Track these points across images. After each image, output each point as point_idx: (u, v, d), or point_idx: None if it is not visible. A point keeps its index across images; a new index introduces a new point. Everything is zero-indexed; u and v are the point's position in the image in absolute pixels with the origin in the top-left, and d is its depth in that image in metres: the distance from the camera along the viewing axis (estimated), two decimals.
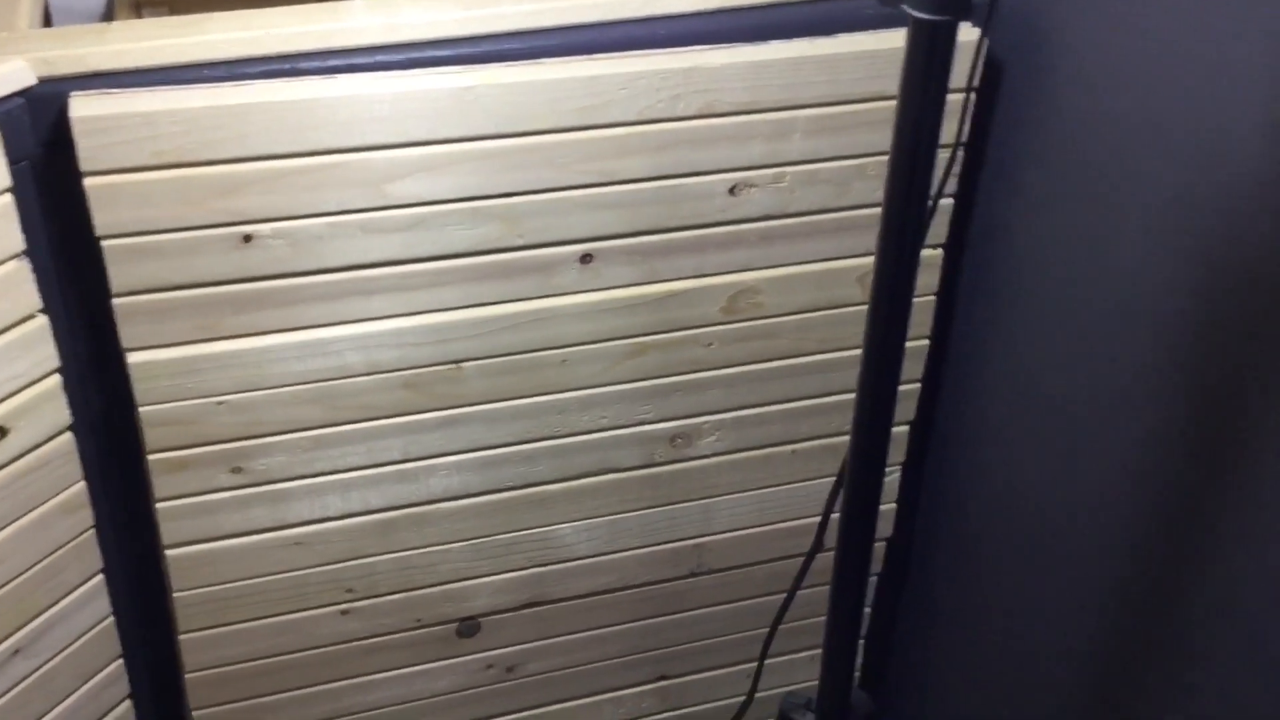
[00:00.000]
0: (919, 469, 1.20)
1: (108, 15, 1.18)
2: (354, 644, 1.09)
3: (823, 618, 1.09)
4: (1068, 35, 0.91)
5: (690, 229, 0.98)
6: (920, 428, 1.16)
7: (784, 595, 1.20)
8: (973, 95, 0.98)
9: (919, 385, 1.12)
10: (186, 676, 1.04)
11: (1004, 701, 1.12)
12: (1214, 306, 0.82)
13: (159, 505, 0.95)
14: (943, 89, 0.65)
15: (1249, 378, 0.80)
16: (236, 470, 0.96)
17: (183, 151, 0.82)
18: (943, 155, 0.81)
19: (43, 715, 0.95)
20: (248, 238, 0.87)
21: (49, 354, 0.86)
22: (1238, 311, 0.80)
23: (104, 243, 0.84)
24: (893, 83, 0.93)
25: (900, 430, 1.15)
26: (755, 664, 1.24)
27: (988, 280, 1.07)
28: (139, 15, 1.12)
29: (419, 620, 1.09)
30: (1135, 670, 0.95)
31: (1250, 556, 0.82)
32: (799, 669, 1.27)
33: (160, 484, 0.94)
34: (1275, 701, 0.82)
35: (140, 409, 0.91)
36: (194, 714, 1.06)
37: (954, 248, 1.06)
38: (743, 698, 1.27)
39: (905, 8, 0.62)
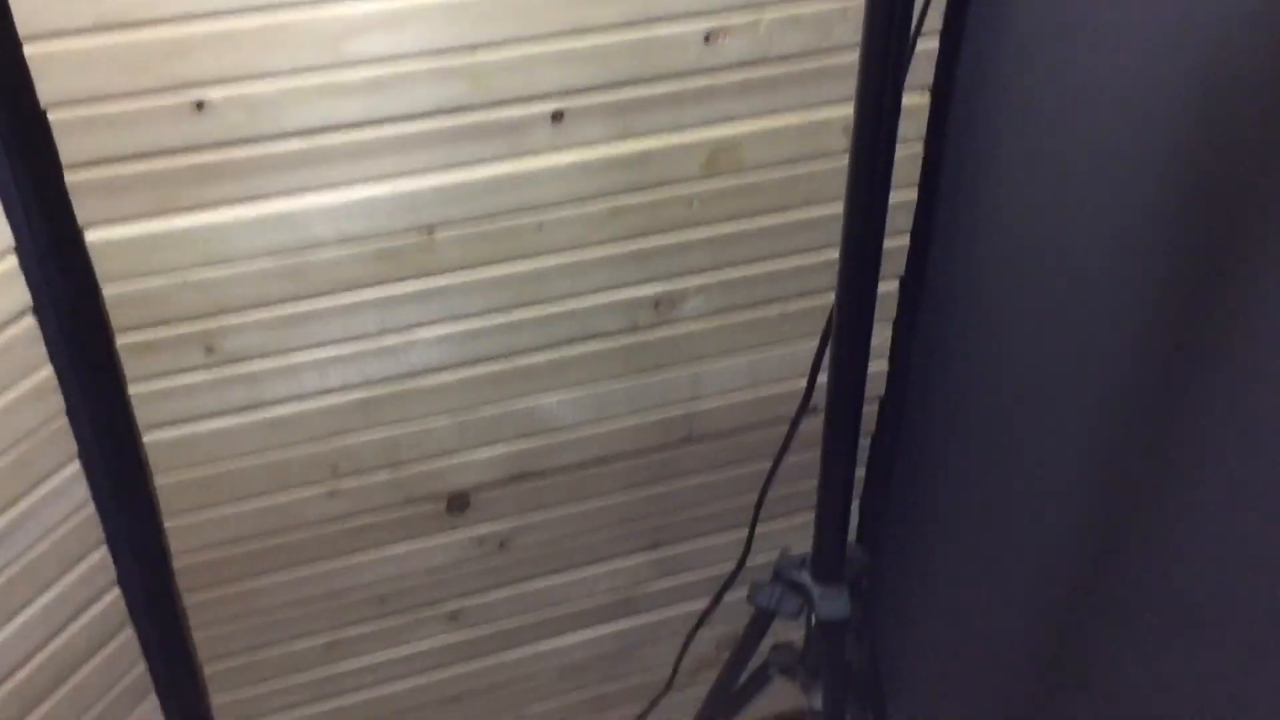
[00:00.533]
0: (911, 327, 1.18)
1: None
2: (343, 524, 1.07)
3: (814, 481, 1.07)
4: None
5: (665, 80, 0.93)
6: (910, 283, 1.13)
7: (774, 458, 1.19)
8: None
9: (908, 238, 1.09)
10: (174, 562, 1.03)
11: (1004, 552, 1.12)
12: (1217, 113, 0.79)
13: (132, 388, 0.93)
14: None
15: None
16: (209, 350, 0.93)
17: (126, 12, 0.78)
18: None
19: (28, 604, 0.94)
20: (200, 104, 0.83)
21: (3, 233, 0.83)
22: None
23: (50, 114, 0.80)
24: None
25: (890, 287, 1.12)
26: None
27: (977, 126, 1.03)
28: None
29: (407, 498, 1.08)
30: (1133, 519, 0.94)
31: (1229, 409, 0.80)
32: (795, 535, 1.27)
33: (131, 366, 0.92)
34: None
35: (103, 288, 0.88)
36: (184, 598, 1.05)
37: (941, 93, 1.02)
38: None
39: None
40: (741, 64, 0.94)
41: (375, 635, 1.16)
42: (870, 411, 1.21)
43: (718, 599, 1.12)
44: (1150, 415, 0.89)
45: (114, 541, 0.99)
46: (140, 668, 1.06)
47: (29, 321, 0.86)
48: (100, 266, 0.87)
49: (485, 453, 1.08)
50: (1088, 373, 0.96)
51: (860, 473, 1.26)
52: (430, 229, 0.94)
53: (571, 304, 1.02)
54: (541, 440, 1.10)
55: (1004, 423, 1.08)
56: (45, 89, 0.79)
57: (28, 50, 0.78)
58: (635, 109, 0.94)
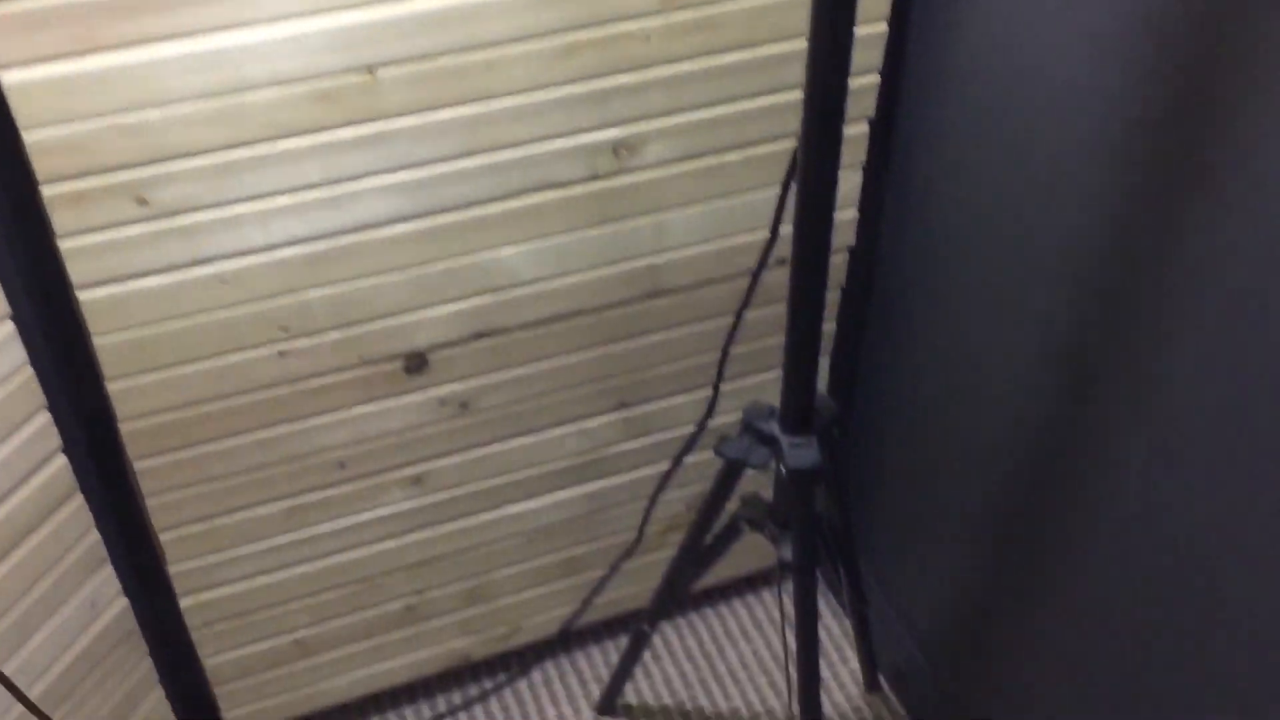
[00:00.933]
0: (880, 173, 1.13)
1: None
2: (297, 385, 1.04)
3: (781, 338, 1.04)
4: None
5: None
6: (880, 126, 1.09)
7: (738, 312, 1.16)
8: None
9: (878, 77, 1.04)
10: (121, 425, 0.99)
11: (975, 403, 1.09)
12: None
13: (61, 243, 0.88)
14: None
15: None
16: (141, 201, 0.88)
17: None
18: None
19: None
20: None
21: None
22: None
23: None
24: None
25: (860, 129, 1.07)
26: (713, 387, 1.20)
27: None
28: None
29: (361, 358, 1.04)
30: (1102, 369, 0.91)
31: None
32: (765, 391, 1.24)
33: (60, 220, 0.87)
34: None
35: (23, 134, 0.82)
36: (135, 465, 1.02)
37: None
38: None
39: None
40: None
41: (336, 500, 1.13)
42: (839, 262, 1.17)
43: (681, 455, 1.10)
44: (1124, 257, 0.86)
45: (56, 406, 0.96)
46: (93, 536, 1.03)
47: None
48: (18, 110, 0.81)
49: (442, 310, 1.04)
50: (1064, 219, 0.92)
51: (830, 327, 1.22)
52: (371, 68, 0.88)
53: (526, 150, 0.98)
54: (500, 296, 1.06)
55: (977, 271, 1.04)
56: None
57: None
58: None
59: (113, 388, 0.97)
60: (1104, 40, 0.83)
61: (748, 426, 0.99)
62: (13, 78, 0.80)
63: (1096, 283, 0.90)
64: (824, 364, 1.26)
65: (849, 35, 0.74)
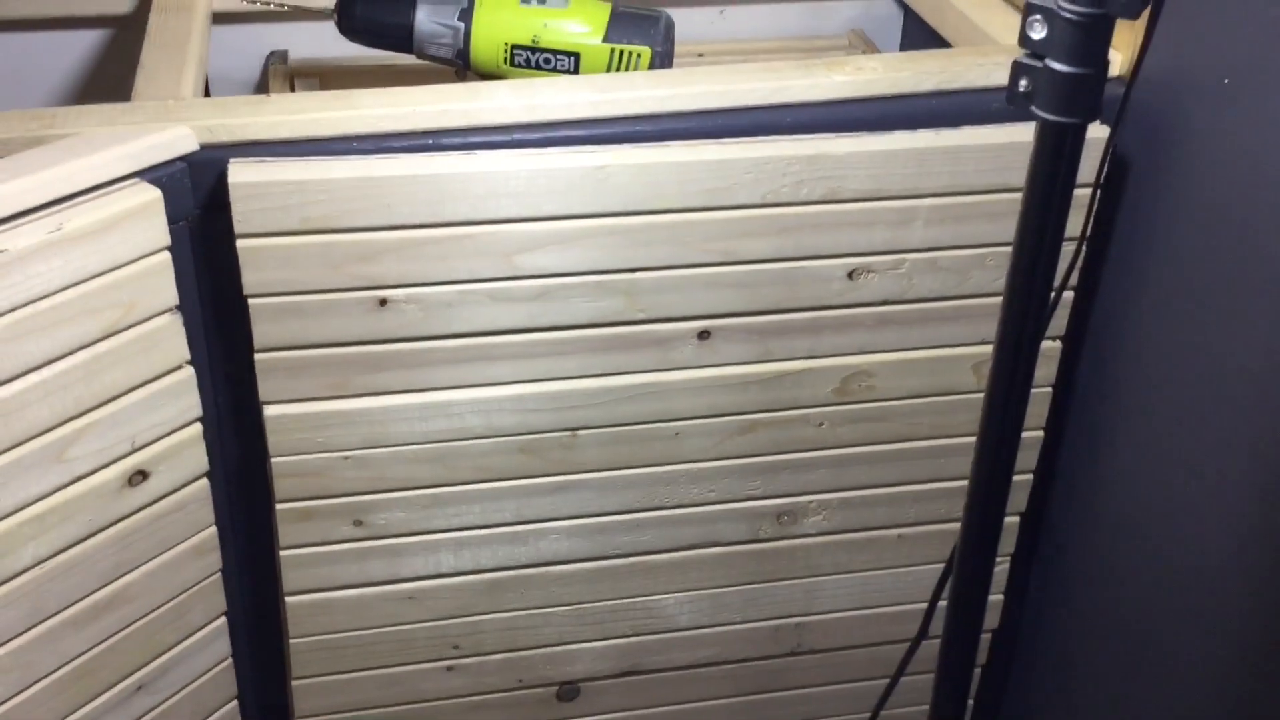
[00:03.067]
0: (1029, 561, 1.19)
1: (262, 86, 1.25)
2: (457, 700, 1.11)
3: (924, 706, 1.08)
4: (1197, 135, 0.92)
5: (808, 310, 0.99)
6: (1031, 519, 1.15)
7: (884, 680, 1.20)
8: (1098, 191, 0.98)
9: (1031, 476, 1.12)
10: None
11: None
12: None
13: (283, 553, 0.99)
14: (1069, 188, 0.66)
15: None
16: (358, 523, 0.99)
17: (328, 218, 0.87)
18: (1066, 249, 0.81)
19: None
20: (383, 301, 0.91)
21: (193, 403, 0.91)
22: None
23: (251, 301, 0.89)
24: (1016, 175, 0.95)
25: (1011, 520, 1.14)
26: None
27: (1105, 374, 1.06)
28: (292, 87, 1.18)
29: (520, 681, 1.11)
30: None
31: None
32: None
33: (286, 533, 0.98)
34: None
35: (272, 460, 0.95)
36: None
37: (1073, 340, 1.06)
38: None
39: (1034, 109, 0.63)
40: (882, 301, 1.00)
41: None
42: (983, 642, 1.21)
43: None
44: None
45: (244, 697, 1.04)
46: None
47: (203, 484, 0.93)
48: (273, 439, 0.94)
49: (600, 644, 1.11)
50: (1213, 631, 0.96)
51: (970, 703, 1.25)
52: (575, 430, 1.00)
53: (698, 509, 1.07)
54: (654, 637, 1.13)
55: (1121, 668, 1.07)
56: (250, 279, 0.88)
57: (240, 244, 0.87)
58: (776, 333, 1.00)
59: (296, 684, 1.06)
60: (1255, 486, 0.89)
61: None
62: (273, 411, 0.93)
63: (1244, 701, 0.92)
64: None
65: (1015, 443, 0.81)
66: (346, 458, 0.96)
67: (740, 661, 1.16)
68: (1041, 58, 0.62)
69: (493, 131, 0.91)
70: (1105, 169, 0.98)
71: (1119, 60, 0.96)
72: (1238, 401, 0.90)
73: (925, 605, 0.92)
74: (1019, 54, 0.63)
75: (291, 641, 1.03)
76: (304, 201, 0.86)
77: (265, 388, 0.92)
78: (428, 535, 1.01)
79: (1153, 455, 1.01)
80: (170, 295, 0.86)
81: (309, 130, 0.88)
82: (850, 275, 0.98)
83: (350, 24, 1.02)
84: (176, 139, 0.86)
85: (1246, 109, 0.86)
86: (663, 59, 1.02)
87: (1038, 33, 0.62)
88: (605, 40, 1.01)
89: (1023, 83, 0.63)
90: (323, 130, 0.88)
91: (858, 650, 1.18)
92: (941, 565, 0.98)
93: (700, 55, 1.30)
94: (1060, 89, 0.62)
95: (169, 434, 0.89)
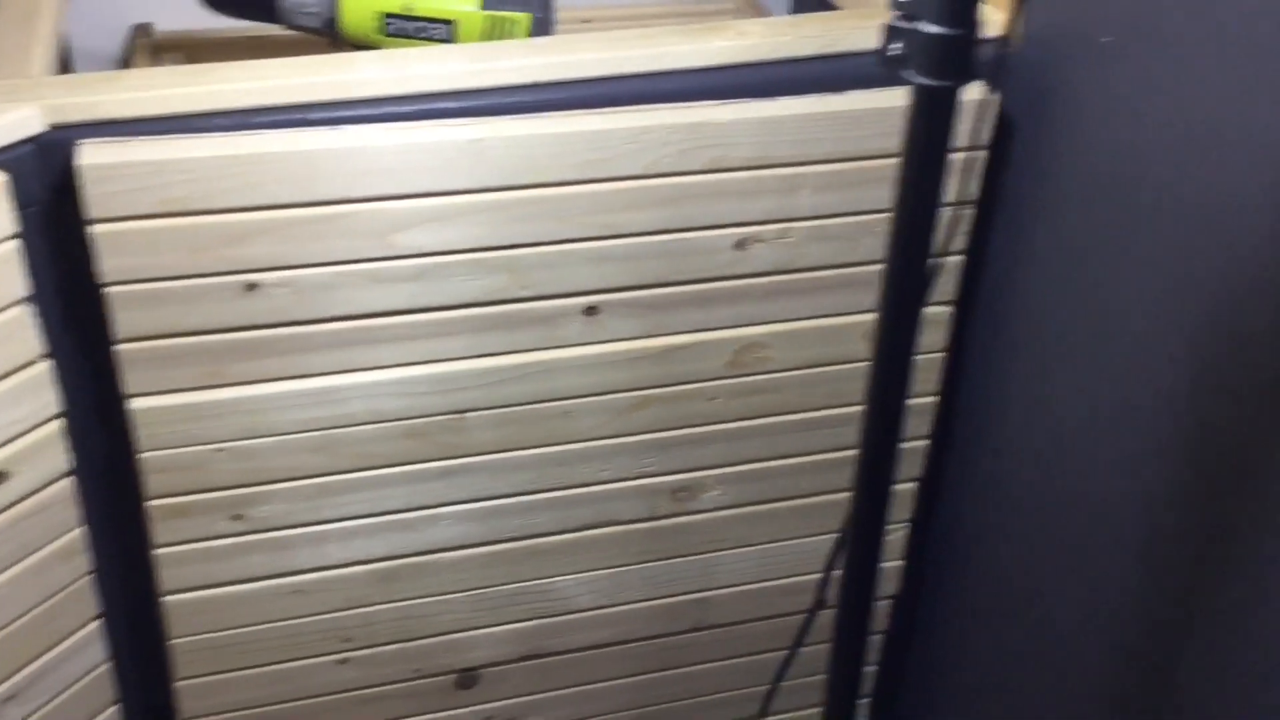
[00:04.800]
0: (927, 526, 1.19)
1: (126, 61, 1.19)
2: (352, 693, 1.08)
3: (825, 675, 1.07)
4: (1080, 94, 0.91)
5: (696, 283, 0.97)
6: (929, 485, 1.15)
7: (786, 652, 1.19)
8: (982, 153, 0.98)
9: (928, 441, 1.11)
10: None
11: None
12: (1225, 361, 0.81)
13: (158, 551, 0.95)
14: (944, 152, 0.65)
15: (1263, 429, 0.79)
16: (237, 517, 0.95)
17: (190, 200, 0.83)
18: (951, 213, 0.81)
19: None
20: (252, 286, 0.87)
21: (50, 399, 0.86)
22: (1249, 365, 0.79)
23: (109, 289, 0.84)
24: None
25: (908, 487, 1.14)
26: None
27: (998, 337, 1.06)
28: (157, 62, 1.13)
29: (417, 670, 1.08)
30: None
31: (1264, 611, 0.80)
32: None
33: (160, 530, 0.94)
34: None
35: (142, 455, 0.91)
36: None
37: (964, 304, 1.06)
38: None
39: (907, 73, 0.62)
40: (771, 271, 0.98)
41: None
42: (883, 609, 1.21)
43: None
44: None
45: (126, 701, 1.00)
46: None
47: (66, 484, 0.89)
48: (141, 433, 0.90)
49: (498, 629, 1.09)
50: (1108, 584, 0.96)
51: (871, 669, 1.25)
52: (462, 412, 0.97)
53: (591, 489, 1.04)
54: (553, 620, 1.10)
55: (1021, 629, 1.08)
56: (107, 266, 0.83)
57: (94, 230, 0.82)
58: (665, 307, 0.98)
59: (180, 685, 1.02)
60: (1144, 445, 0.89)
61: None
62: (140, 404, 0.89)
63: (1139, 642, 0.93)
64: (864, 705, 1.28)
65: (900, 410, 0.80)
66: (221, 450, 0.92)
67: (642, 640, 1.15)
68: (913, 19, 0.61)
69: (363, 105, 0.87)
70: (987, 131, 0.98)
71: (1000, 21, 0.96)
72: (1127, 361, 0.90)
73: (822, 575, 0.92)
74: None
75: (172, 642, 0.99)
76: (163, 183, 0.82)
77: (130, 380, 0.88)
78: (313, 527, 0.98)
79: (1045, 417, 1.01)
80: (21, 286, 0.82)
81: (166, 107, 0.83)
82: (738, 245, 0.96)
83: None
84: (22, 120, 0.80)
85: (1126, 66, 0.86)
86: (543, 26, 0.99)
87: None
88: (482, 7, 0.98)
89: (895, 46, 0.62)
90: (181, 107, 0.84)
91: (759, 623, 1.18)
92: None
93: (587, 21, 1.27)
94: (932, 51, 0.60)
95: (27, 432, 0.85)
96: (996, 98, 0.94)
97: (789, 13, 1.34)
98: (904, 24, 0.61)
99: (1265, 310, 0.77)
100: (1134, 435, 0.90)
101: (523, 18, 0.98)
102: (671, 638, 1.16)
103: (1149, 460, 0.89)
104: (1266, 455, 0.78)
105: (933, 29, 0.60)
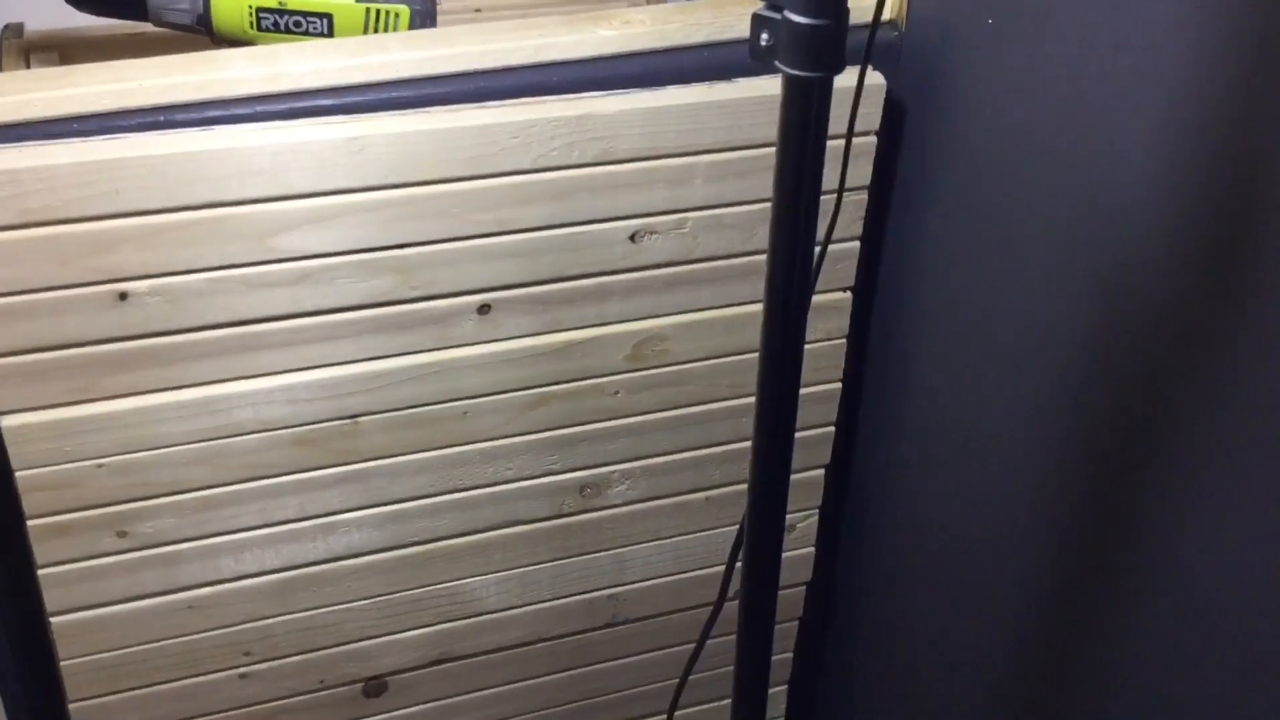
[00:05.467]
0: (838, 512, 1.18)
1: None
2: (255, 707, 1.05)
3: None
4: (968, 76, 0.90)
5: (591, 277, 0.95)
6: (837, 471, 1.14)
7: (694, 645, 1.18)
8: (872, 138, 0.97)
9: (832, 429, 1.11)
10: None
11: None
12: (1112, 339, 0.81)
13: (41, 572, 0.91)
14: (821, 142, 0.63)
15: (1146, 400, 0.79)
16: (122, 534, 0.92)
17: (51, 209, 0.79)
18: (842, 200, 0.80)
19: None
20: (123, 295, 0.83)
21: None
22: (1135, 342, 0.79)
23: None
24: None
25: (815, 474, 1.13)
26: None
27: (899, 321, 1.05)
28: (27, 63, 1.08)
29: (322, 681, 1.06)
30: (1059, 697, 0.94)
31: (1157, 569, 0.81)
32: (718, 717, 1.25)
33: (41, 550, 0.91)
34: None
35: (16, 474, 0.87)
36: None
37: (863, 290, 1.05)
38: None
39: (778, 64, 0.60)
40: (668, 262, 0.97)
41: None
42: (797, 596, 1.20)
43: None
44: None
45: None
46: None
47: None
48: (14, 451, 0.86)
49: (405, 636, 1.07)
50: (1016, 552, 0.96)
51: (787, 658, 1.25)
52: (355, 416, 0.94)
53: (495, 489, 1.02)
54: (462, 623, 1.08)
55: (932, 610, 1.08)
56: None
57: None
58: (561, 302, 0.96)
59: (75, 708, 0.98)
60: (1043, 416, 0.89)
61: None
62: (11, 422, 0.86)
63: (1046, 611, 0.93)
64: (783, 693, 1.28)
65: (792, 401, 0.79)
66: (101, 465, 0.89)
67: (555, 639, 1.13)
68: (780, 9, 0.59)
69: (233, 104, 0.84)
70: (880, 118, 0.97)
71: (889, 5, 0.94)
72: (1023, 341, 0.90)
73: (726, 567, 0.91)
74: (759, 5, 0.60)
75: (63, 663, 0.96)
76: (20, 192, 0.78)
77: None
78: (203, 540, 0.95)
79: (948, 400, 1.00)
80: None
81: (21, 113, 0.80)
82: (632, 238, 0.95)
83: None
84: None
85: (1009, 49, 0.85)
86: (424, 18, 0.97)
87: None
88: None
89: (764, 36, 0.60)
90: (38, 112, 0.80)
91: (673, 615, 1.16)
92: None
93: (478, 10, 1.24)
94: (800, 42, 0.59)
95: None
96: (884, 83, 0.93)
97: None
98: (771, 13, 0.59)
99: (1154, 290, 0.77)
100: (1031, 417, 0.90)
101: (403, 10, 0.95)
102: (584, 635, 1.14)
103: (1046, 442, 0.89)
104: (1159, 438, 0.78)
105: (799, 19, 0.58)
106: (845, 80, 0.61)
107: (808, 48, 0.59)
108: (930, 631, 1.09)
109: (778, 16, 0.59)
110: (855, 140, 0.95)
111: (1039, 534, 0.92)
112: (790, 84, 0.61)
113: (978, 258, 0.93)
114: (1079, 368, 0.85)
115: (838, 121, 0.65)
